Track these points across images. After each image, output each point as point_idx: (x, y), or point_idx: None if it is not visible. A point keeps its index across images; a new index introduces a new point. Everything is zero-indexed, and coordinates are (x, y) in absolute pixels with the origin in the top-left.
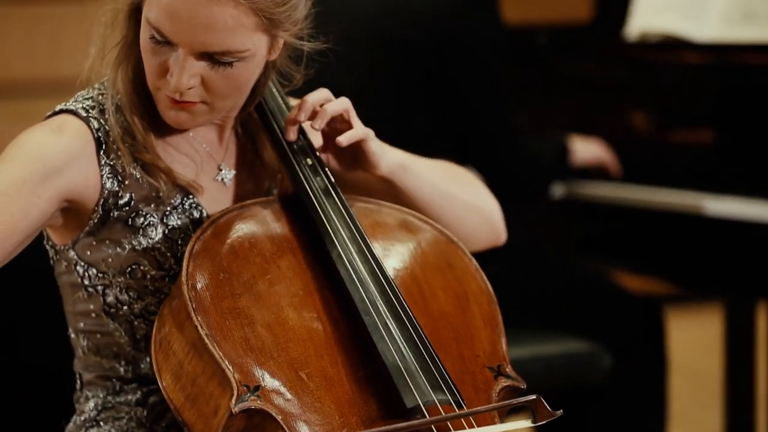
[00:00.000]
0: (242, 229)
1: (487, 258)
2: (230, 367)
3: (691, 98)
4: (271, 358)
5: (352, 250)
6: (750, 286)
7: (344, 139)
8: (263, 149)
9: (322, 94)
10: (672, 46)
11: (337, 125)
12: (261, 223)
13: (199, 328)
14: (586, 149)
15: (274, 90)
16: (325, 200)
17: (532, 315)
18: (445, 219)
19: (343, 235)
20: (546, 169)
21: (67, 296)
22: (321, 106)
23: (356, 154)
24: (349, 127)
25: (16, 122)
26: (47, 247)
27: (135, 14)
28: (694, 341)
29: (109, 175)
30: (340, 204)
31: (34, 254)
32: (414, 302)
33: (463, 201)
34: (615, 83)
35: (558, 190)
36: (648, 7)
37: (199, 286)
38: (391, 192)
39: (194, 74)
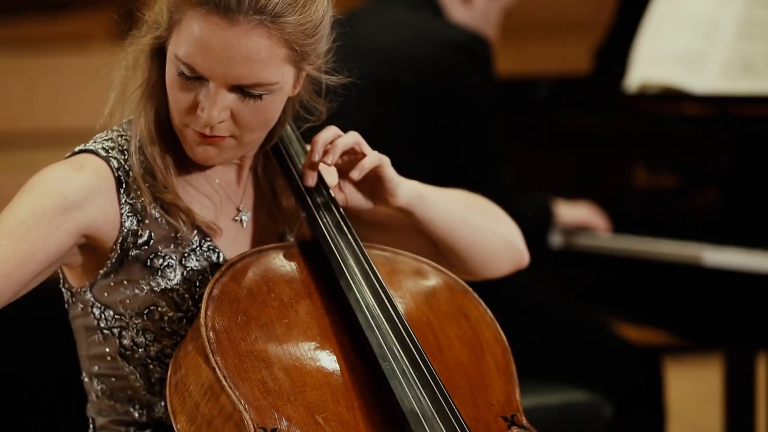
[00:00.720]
0: (260, 273)
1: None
2: (247, 409)
3: (691, 149)
4: (288, 402)
5: (370, 296)
6: (750, 337)
7: (357, 173)
8: (281, 194)
9: (330, 131)
10: (672, 98)
11: (350, 159)
12: (279, 268)
13: (217, 369)
14: (571, 212)
15: (292, 134)
16: (342, 246)
17: (533, 364)
18: (464, 245)
19: (361, 281)
20: (528, 230)
21: (82, 340)
22: (331, 142)
23: (373, 185)
24: (363, 158)
25: (16, 174)
26: (63, 289)
27: (158, 54)
28: (693, 392)
29: (129, 214)
30: (357, 250)
31: (45, 299)
32: (429, 350)
33: (482, 226)
34: (615, 135)
35: (557, 241)
36: (647, 59)
37: (217, 328)
38: (410, 223)
39: (225, 107)
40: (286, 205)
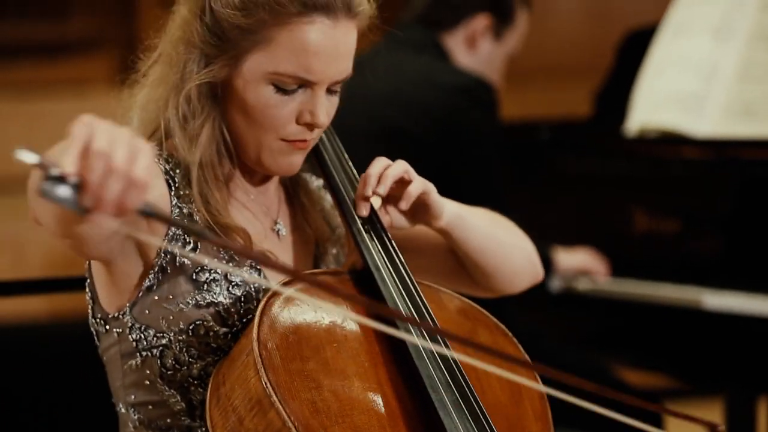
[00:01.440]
0: (311, 296)
1: None
2: (297, 427)
3: (691, 193)
4: (336, 423)
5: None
6: (751, 381)
7: (405, 203)
8: (311, 209)
9: (381, 162)
10: (672, 141)
11: (397, 185)
12: (329, 293)
13: (267, 385)
14: (571, 259)
15: (345, 163)
16: (394, 276)
17: None
18: (495, 260)
19: (412, 311)
20: None
21: (117, 369)
22: (382, 173)
23: (418, 208)
24: (409, 184)
25: (15, 219)
26: (93, 322)
27: (214, 90)
28: None
29: (178, 216)
30: (409, 281)
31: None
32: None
33: (508, 242)
34: (615, 178)
35: (556, 285)
36: (647, 102)
37: (269, 345)
38: (440, 245)
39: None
40: (312, 219)
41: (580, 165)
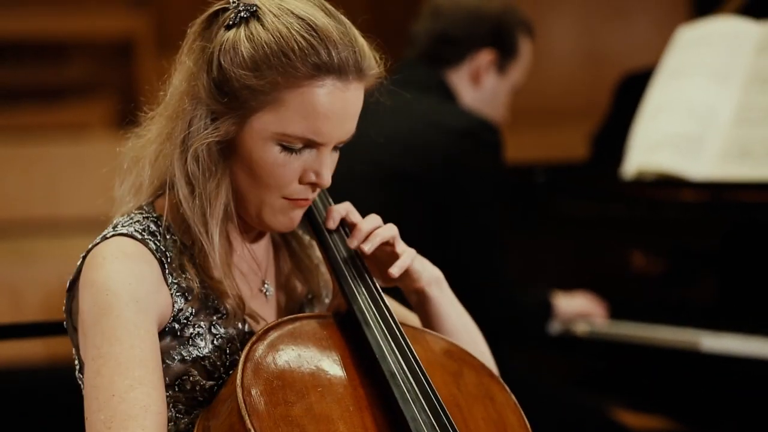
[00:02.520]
0: (296, 341)
1: None
2: None
3: (687, 235)
4: None
5: (405, 369)
6: (749, 423)
7: (396, 270)
8: (301, 253)
9: (373, 221)
10: (669, 184)
11: (383, 247)
12: (314, 337)
13: (252, 431)
14: (570, 304)
15: (327, 203)
16: (378, 319)
17: None
18: (468, 340)
19: (396, 354)
20: (528, 322)
21: None
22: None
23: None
24: (393, 249)
25: (13, 262)
26: (80, 376)
27: (224, 148)
28: None
29: (177, 293)
30: (392, 323)
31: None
32: (459, 428)
33: (477, 344)
34: (612, 221)
35: (555, 328)
36: (644, 145)
37: (253, 391)
38: (421, 308)
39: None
40: (303, 267)
41: (576, 207)
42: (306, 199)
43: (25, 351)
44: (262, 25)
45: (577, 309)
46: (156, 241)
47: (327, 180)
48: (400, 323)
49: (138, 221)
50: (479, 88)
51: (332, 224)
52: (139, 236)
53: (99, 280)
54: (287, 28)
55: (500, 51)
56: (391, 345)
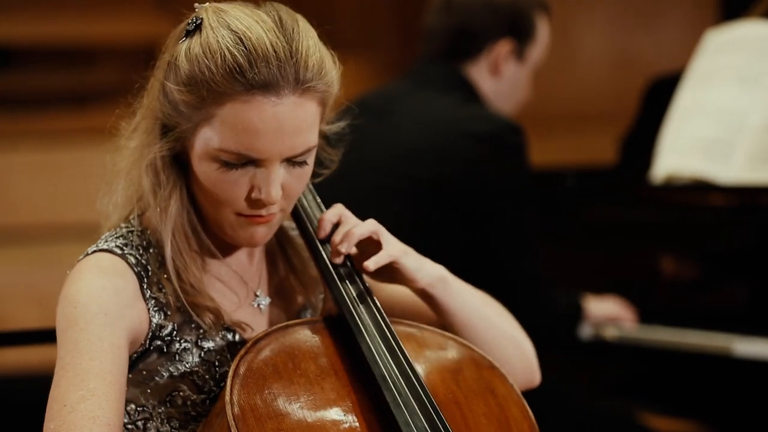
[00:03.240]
0: (286, 349)
1: None
2: None
3: (717, 239)
4: None
5: (397, 373)
6: None
7: (371, 264)
8: (302, 270)
9: (348, 220)
10: (698, 188)
11: (369, 247)
12: (304, 344)
13: None
14: (599, 307)
15: (312, 202)
16: (368, 321)
17: None
18: (481, 342)
19: (387, 357)
20: (562, 324)
21: None
22: (347, 231)
23: (392, 270)
24: (379, 248)
25: (42, 267)
26: None
27: (175, 159)
28: None
29: (156, 308)
30: (383, 325)
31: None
32: (457, 428)
33: (501, 328)
34: (642, 225)
35: (585, 333)
36: (673, 149)
37: (243, 405)
38: (430, 307)
39: (280, 183)
40: (305, 280)
41: (605, 212)
42: (260, 216)
43: (53, 356)
44: (200, 38)
45: (606, 313)
46: (138, 255)
47: (274, 197)
48: (396, 321)
49: (122, 235)
50: (499, 78)
51: (323, 234)
52: (119, 251)
53: (71, 293)
54: (218, 42)
55: (518, 38)
56: (383, 348)
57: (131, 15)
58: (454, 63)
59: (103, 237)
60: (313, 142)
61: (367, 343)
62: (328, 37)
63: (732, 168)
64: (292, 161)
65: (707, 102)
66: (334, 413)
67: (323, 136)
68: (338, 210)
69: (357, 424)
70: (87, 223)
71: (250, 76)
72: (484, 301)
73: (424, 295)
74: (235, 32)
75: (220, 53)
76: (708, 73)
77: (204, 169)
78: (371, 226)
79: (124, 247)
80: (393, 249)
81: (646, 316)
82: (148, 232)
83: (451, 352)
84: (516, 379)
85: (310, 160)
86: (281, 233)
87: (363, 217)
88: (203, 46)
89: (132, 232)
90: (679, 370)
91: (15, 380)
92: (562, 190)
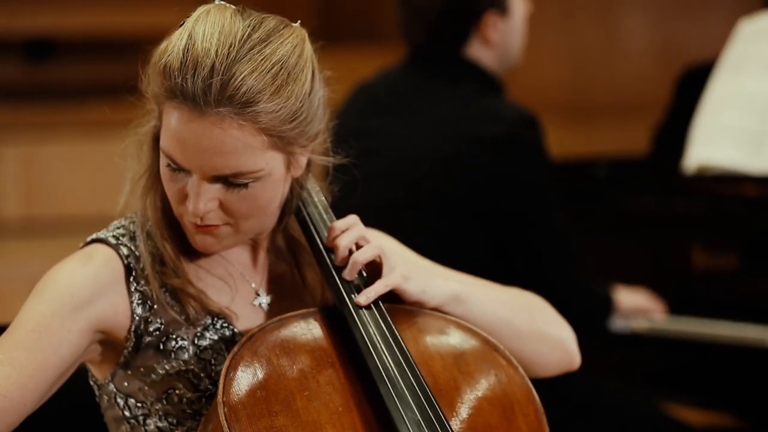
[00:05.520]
0: (280, 343)
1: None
2: None
3: (750, 230)
4: None
5: (392, 364)
6: None
7: (363, 299)
8: (307, 268)
9: (347, 239)
10: (730, 179)
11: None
12: (300, 337)
13: None
14: (629, 299)
15: (321, 208)
16: (364, 313)
17: None
18: (508, 346)
19: (383, 349)
20: (597, 314)
21: (114, 431)
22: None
23: (397, 293)
24: (379, 271)
25: None
26: (91, 383)
27: (156, 143)
28: None
29: (139, 301)
30: (380, 317)
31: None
32: (458, 415)
33: (529, 329)
34: (674, 216)
35: (616, 325)
36: (705, 139)
37: (235, 404)
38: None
39: (211, 198)
40: (311, 281)
41: (637, 202)
42: (196, 225)
43: None
44: (170, 37)
45: (636, 304)
46: (133, 246)
47: (197, 209)
48: (395, 306)
49: (123, 226)
50: (494, 46)
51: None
52: (114, 241)
53: (51, 271)
54: (173, 41)
55: (498, 7)
56: (378, 338)
57: (176, 5)
58: (448, 50)
59: (111, 224)
60: (247, 167)
61: (362, 334)
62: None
63: (765, 158)
64: (228, 182)
65: (740, 92)
66: (330, 407)
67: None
68: (351, 220)
69: (353, 417)
70: (125, 214)
71: (175, 82)
72: (510, 304)
73: (439, 311)
74: (191, 37)
75: (167, 54)
76: (741, 63)
77: (161, 162)
78: (375, 250)
79: (121, 237)
80: (391, 277)
81: (678, 307)
82: (149, 224)
83: (453, 337)
84: (551, 369)
85: (261, 185)
86: (287, 231)
87: (379, 230)
88: (166, 44)
89: (134, 222)
90: (712, 362)
91: None
92: (595, 181)
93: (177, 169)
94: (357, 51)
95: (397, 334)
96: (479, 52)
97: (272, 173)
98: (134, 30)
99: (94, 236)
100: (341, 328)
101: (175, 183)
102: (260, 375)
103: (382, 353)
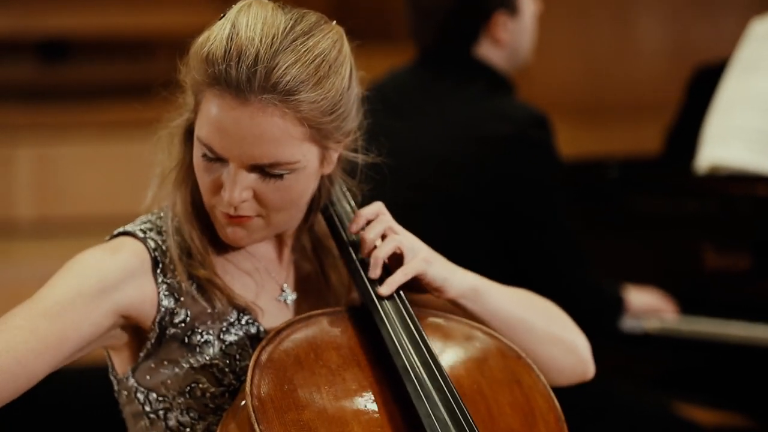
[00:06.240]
0: (308, 340)
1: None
2: None
3: (762, 230)
4: None
5: (419, 364)
6: None
7: (385, 290)
8: (331, 270)
9: (375, 231)
10: (742, 179)
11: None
12: (327, 335)
13: None
14: (640, 299)
15: (346, 204)
16: (392, 313)
17: None
18: (523, 346)
19: (410, 348)
20: (607, 314)
21: (132, 427)
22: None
23: (417, 281)
24: (400, 261)
25: None
26: (111, 377)
27: (188, 136)
28: None
29: (166, 293)
30: (408, 317)
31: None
32: (481, 418)
33: (543, 331)
34: (685, 216)
35: (626, 325)
36: (716, 140)
37: (263, 397)
38: (462, 315)
39: (246, 187)
40: (336, 281)
41: (649, 203)
42: (229, 215)
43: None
44: (212, 27)
45: (647, 304)
46: (160, 240)
47: (232, 198)
48: (421, 311)
49: (149, 220)
50: (504, 46)
51: (355, 228)
52: (141, 234)
53: (80, 254)
54: (216, 31)
55: (508, 7)
56: (406, 339)
57: (189, 7)
58: (458, 51)
59: (137, 218)
60: (285, 158)
61: (390, 333)
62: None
63: None
64: (265, 171)
65: (752, 91)
66: (356, 404)
67: (346, 162)
68: (377, 208)
69: (378, 415)
70: (140, 215)
71: (218, 70)
72: (526, 304)
73: (455, 304)
74: (234, 27)
75: (210, 42)
76: (753, 63)
77: (194, 156)
78: (394, 242)
79: (148, 231)
80: (411, 265)
81: (689, 307)
82: (177, 218)
83: (477, 342)
84: (565, 376)
85: (295, 177)
86: (313, 230)
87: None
88: (208, 33)
89: (161, 217)
90: (723, 362)
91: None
92: (606, 181)
93: (213, 158)
94: (370, 50)
95: (424, 334)
96: (489, 52)
97: (307, 166)
98: (147, 31)
99: (120, 229)
100: (368, 328)
101: (210, 173)
102: (288, 368)
103: (409, 353)
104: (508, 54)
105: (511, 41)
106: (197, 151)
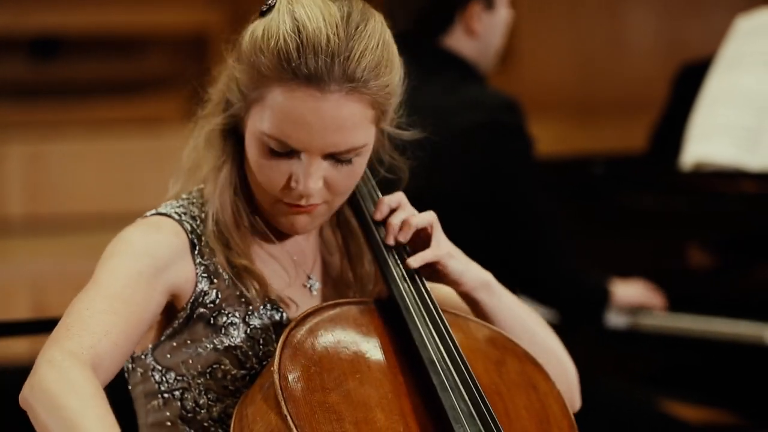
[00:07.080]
0: (335, 325)
1: None
2: None
3: (747, 227)
4: None
5: (445, 356)
6: None
7: (414, 262)
8: (356, 260)
9: (404, 210)
10: (727, 175)
11: (418, 242)
12: (354, 323)
13: (288, 418)
14: (627, 292)
15: (367, 191)
16: (419, 305)
17: None
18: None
19: (436, 341)
20: (588, 304)
21: (141, 407)
22: (405, 220)
23: (436, 270)
24: (427, 244)
25: (90, 256)
26: (129, 366)
27: (231, 134)
28: None
29: (203, 274)
30: (434, 310)
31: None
32: (499, 417)
33: (545, 343)
34: (671, 213)
35: (612, 320)
36: (701, 136)
37: (290, 376)
38: (473, 311)
39: (320, 177)
40: (360, 272)
41: (634, 199)
42: (299, 206)
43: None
44: (265, 21)
45: (634, 297)
46: (194, 225)
47: (309, 189)
48: (443, 310)
49: (181, 205)
50: (477, 37)
51: (379, 216)
52: (177, 217)
53: (124, 234)
54: (278, 26)
55: None
56: (432, 332)
57: (181, 5)
58: (431, 39)
59: (163, 204)
60: (359, 142)
61: (417, 326)
62: None
63: (761, 155)
64: (337, 158)
65: (736, 88)
66: (380, 392)
67: (387, 137)
68: (399, 197)
69: (402, 404)
70: (132, 212)
71: (295, 65)
72: (530, 314)
73: (468, 298)
74: (296, 20)
75: (275, 38)
76: (737, 59)
77: (252, 151)
78: (429, 218)
79: (182, 215)
80: (439, 249)
81: (676, 304)
82: (208, 205)
83: (496, 344)
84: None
85: (361, 159)
86: (342, 222)
87: None
88: (265, 28)
89: (193, 203)
90: (711, 359)
91: None
92: (591, 178)
93: (282, 153)
94: None
95: (450, 329)
96: (460, 43)
97: (369, 147)
98: (139, 29)
99: (154, 211)
100: (394, 319)
101: (277, 167)
102: (315, 351)
103: (435, 346)
104: (480, 48)
105: (484, 34)
106: (260, 147)
